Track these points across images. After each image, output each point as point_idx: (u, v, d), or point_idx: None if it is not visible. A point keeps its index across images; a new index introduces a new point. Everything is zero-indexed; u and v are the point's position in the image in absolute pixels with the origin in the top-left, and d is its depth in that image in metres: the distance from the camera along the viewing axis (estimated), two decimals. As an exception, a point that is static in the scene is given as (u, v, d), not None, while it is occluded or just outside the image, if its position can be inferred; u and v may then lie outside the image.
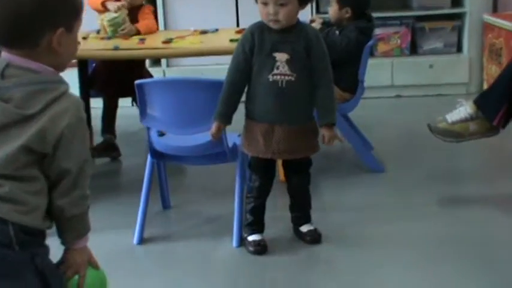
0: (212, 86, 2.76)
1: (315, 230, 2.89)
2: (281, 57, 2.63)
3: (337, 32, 3.62)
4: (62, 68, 1.69)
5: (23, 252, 1.56)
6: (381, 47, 5.20)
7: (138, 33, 3.85)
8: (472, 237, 2.88)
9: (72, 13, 1.64)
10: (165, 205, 3.29)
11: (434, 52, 5.23)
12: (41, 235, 1.64)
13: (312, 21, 3.79)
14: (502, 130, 3.18)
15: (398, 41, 5.19)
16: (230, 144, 2.87)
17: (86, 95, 4.09)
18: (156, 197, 3.23)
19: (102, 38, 3.77)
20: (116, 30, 3.79)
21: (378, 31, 5.12)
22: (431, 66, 5.14)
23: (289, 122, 2.69)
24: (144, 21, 4.00)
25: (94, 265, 1.75)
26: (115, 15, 3.81)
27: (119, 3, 3.85)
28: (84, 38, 3.77)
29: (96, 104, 4.15)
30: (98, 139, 4.08)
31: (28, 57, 1.60)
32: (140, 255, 2.91)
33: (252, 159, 2.80)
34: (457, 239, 2.88)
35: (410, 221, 3.08)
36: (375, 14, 4.92)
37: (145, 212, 2.99)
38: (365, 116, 4.65)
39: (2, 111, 1.55)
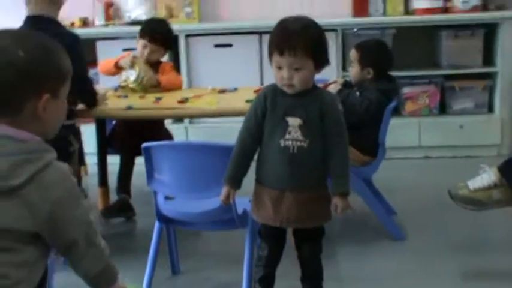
0: (221, 150, 2.66)
1: (327, 303, 2.74)
2: (293, 121, 2.51)
3: (357, 93, 3.51)
4: (49, 135, 1.62)
5: None
6: (409, 106, 5.07)
7: (158, 84, 3.82)
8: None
9: (58, 78, 1.58)
10: (175, 270, 3.17)
11: (464, 112, 5.07)
12: None
13: (333, 82, 3.70)
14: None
15: (427, 100, 5.05)
16: (240, 211, 2.75)
17: (103, 152, 4.04)
18: (167, 261, 3.12)
19: (119, 97, 3.72)
20: (143, 85, 3.77)
21: (405, 90, 5.03)
22: (461, 126, 4.99)
23: (300, 189, 2.56)
24: (167, 75, 3.96)
25: None
26: (136, 72, 3.77)
27: (129, 57, 3.82)
28: (101, 96, 3.73)
29: (113, 160, 4.07)
30: (113, 197, 3.99)
31: (13, 125, 1.53)
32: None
33: (261, 226, 2.68)
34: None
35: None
36: (402, 73, 4.89)
37: (151, 279, 2.89)
38: (390, 177, 4.51)
39: None
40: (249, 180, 2.63)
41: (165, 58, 4.18)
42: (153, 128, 3.92)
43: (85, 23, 5.21)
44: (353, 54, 3.60)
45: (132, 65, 3.77)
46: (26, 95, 1.52)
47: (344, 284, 3.01)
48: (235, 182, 2.58)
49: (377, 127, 3.46)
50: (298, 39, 2.42)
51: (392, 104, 3.49)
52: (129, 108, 3.38)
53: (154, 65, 3.93)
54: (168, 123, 4.80)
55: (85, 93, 3.37)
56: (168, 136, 4.09)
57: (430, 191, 4.23)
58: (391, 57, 3.64)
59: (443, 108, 5.12)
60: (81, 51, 3.30)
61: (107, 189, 4.05)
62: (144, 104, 3.48)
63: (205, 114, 3.42)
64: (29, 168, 1.49)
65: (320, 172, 2.58)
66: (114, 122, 4.17)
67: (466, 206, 3.06)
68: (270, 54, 2.49)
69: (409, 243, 3.45)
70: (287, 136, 2.52)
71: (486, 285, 2.98)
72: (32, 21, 3.24)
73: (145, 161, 2.81)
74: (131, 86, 3.79)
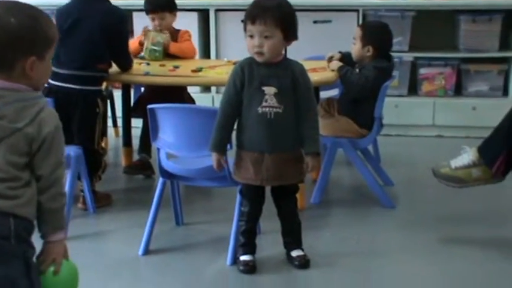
0: (212, 113, 2.97)
1: (304, 255, 3.05)
2: (269, 90, 2.83)
3: (357, 70, 3.77)
4: (38, 89, 1.93)
5: (17, 246, 1.82)
6: (425, 87, 5.28)
7: (168, 47, 4.20)
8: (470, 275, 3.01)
9: (44, 44, 1.88)
10: (178, 222, 3.53)
11: (479, 95, 5.25)
12: (31, 233, 1.88)
13: (331, 57, 3.93)
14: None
15: (443, 82, 5.26)
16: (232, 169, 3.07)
17: (128, 116, 4.39)
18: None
19: (141, 63, 4.07)
20: (157, 51, 4.15)
21: (423, 71, 5.25)
22: (474, 108, 5.18)
23: (278, 150, 2.88)
24: (178, 44, 4.31)
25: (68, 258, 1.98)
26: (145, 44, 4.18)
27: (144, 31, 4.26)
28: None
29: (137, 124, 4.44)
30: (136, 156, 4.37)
31: (9, 79, 1.86)
32: (141, 265, 3.17)
33: (243, 186, 3.01)
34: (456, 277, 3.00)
35: (409, 255, 3.22)
36: (420, 54, 5.12)
37: (153, 226, 3.24)
38: (401, 153, 4.79)
39: None
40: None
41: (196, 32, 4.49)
42: (175, 95, 4.24)
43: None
44: (357, 32, 3.86)
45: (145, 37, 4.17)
46: (16, 56, 1.85)
47: (327, 242, 3.33)
48: (221, 149, 2.92)
49: (374, 102, 3.72)
50: (269, 10, 2.76)
51: (388, 82, 3.74)
52: (146, 74, 3.73)
53: (174, 34, 4.29)
54: (197, 92, 5.14)
55: (125, 65, 3.81)
56: (191, 102, 4.41)
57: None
58: (391, 39, 3.87)
59: (458, 90, 5.31)
60: (127, 27, 3.73)
61: (130, 149, 4.42)
62: (160, 71, 3.84)
63: (214, 83, 3.73)
64: (30, 111, 1.83)
65: (294, 135, 2.90)
66: (142, 89, 4.54)
67: (447, 183, 3.28)
68: (245, 26, 2.80)
69: (397, 212, 3.73)
70: (264, 104, 2.84)
71: (460, 251, 3.25)
72: None
73: (150, 122, 3.15)
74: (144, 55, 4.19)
